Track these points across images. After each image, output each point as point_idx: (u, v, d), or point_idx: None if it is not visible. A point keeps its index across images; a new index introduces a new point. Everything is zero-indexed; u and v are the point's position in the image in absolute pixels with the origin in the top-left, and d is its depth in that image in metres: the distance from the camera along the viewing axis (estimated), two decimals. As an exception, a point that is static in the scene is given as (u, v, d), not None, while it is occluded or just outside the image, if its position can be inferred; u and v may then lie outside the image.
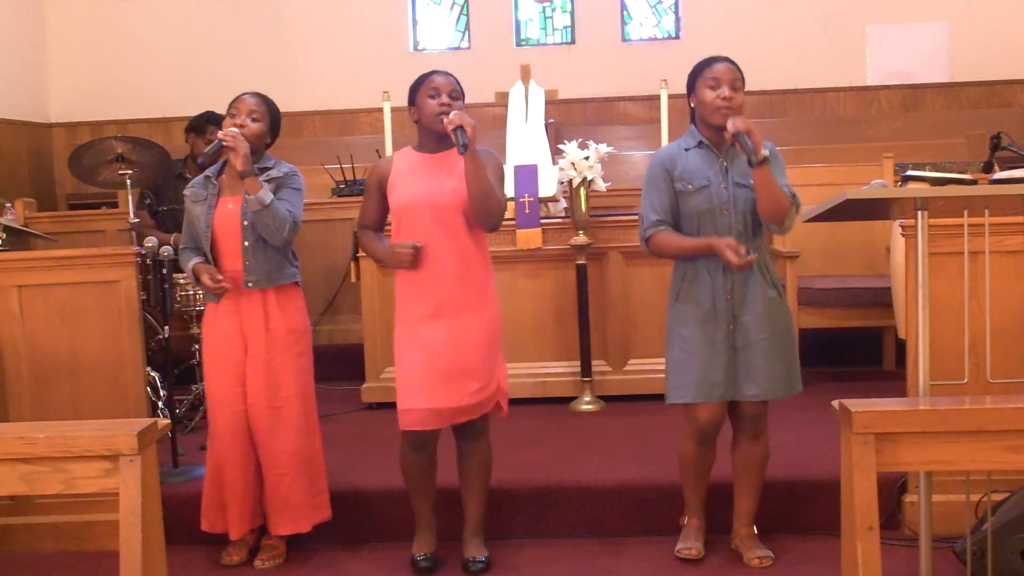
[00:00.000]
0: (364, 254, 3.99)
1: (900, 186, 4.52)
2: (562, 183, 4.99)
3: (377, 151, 5.57)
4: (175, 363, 4.58)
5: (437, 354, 3.21)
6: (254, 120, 3.43)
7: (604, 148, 4.79)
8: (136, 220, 4.86)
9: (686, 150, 3.26)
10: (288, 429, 3.46)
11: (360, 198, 3.55)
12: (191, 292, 4.66)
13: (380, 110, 5.33)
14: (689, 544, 3.38)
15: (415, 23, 8.53)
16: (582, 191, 4.74)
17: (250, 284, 3.42)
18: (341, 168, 6.45)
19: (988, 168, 4.56)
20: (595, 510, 3.67)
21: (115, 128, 7.89)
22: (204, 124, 5.32)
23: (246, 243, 3.40)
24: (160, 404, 4.59)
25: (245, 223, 3.40)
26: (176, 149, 5.79)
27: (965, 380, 3.01)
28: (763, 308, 3.21)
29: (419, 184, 3.25)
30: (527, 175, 4.72)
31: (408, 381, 3.25)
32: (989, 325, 3.03)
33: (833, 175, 5.56)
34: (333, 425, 4.65)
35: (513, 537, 3.64)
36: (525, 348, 4.92)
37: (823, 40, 8.07)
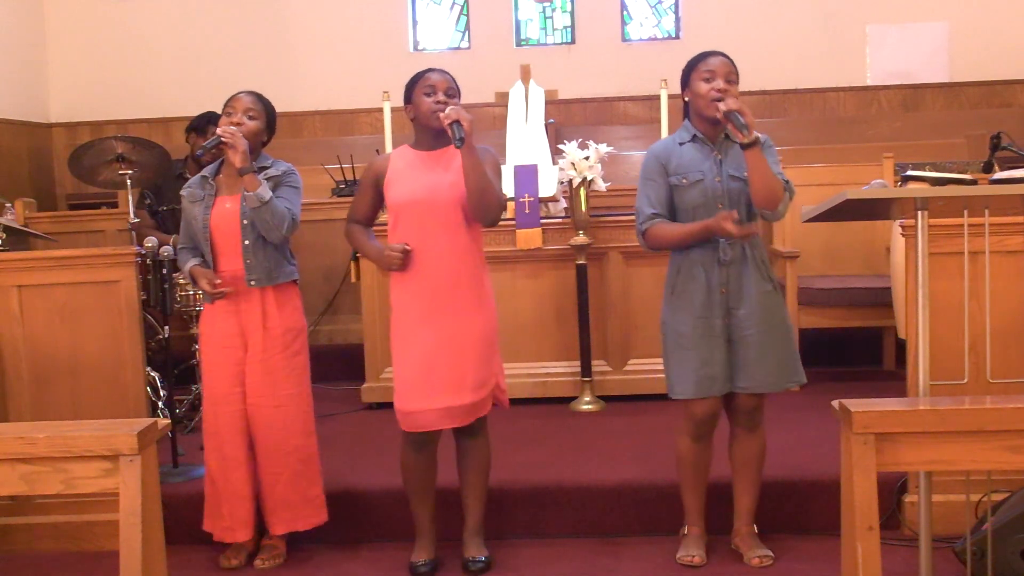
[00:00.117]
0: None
1: (900, 186, 4.52)
2: (562, 183, 4.99)
3: (377, 151, 5.53)
4: (175, 363, 4.59)
5: (434, 354, 3.21)
6: (250, 118, 3.43)
7: (604, 148, 4.79)
8: (136, 220, 4.86)
9: (680, 144, 3.27)
10: (287, 428, 3.46)
11: (359, 197, 3.55)
12: (191, 292, 4.65)
13: (380, 110, 5.33)
14: (691, 552, 3.36)
15: (415, 23, 8.53)
16: (582, 191, 4.74)
17: (252, 282, 3.42)
18: (341, 168, 6.45)
19: (988, 168, 4.56)
20: (595, 510, 3.67)
21: (115, 128, 7.89)
22: (205, 124, 5.33)
23: (246, 242, 3.40)
24: (160, 404, 4.59)
25: (245, 222, 3.40)
26: (176, 149, 5.79)
27: (965, 380, 3.01)
28: (758, 302, 3.21)
29: (416, 181, 3.25)
30: (527, 175, 4.72)
31: (406, 382, 3.25)
32: (989, 325, 3.03)
33: (833, 175, 5.55)
34: (333, 425, 4.66)
35: (513, 537, 3.64)
36: (525, 348, 4.92)
37: (823, 40, 8.07)
